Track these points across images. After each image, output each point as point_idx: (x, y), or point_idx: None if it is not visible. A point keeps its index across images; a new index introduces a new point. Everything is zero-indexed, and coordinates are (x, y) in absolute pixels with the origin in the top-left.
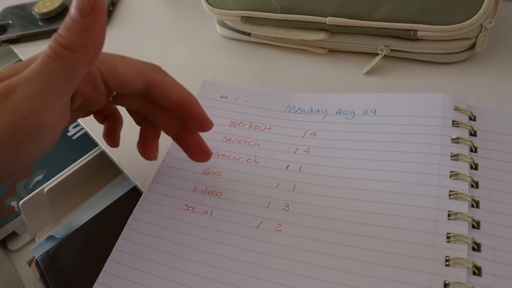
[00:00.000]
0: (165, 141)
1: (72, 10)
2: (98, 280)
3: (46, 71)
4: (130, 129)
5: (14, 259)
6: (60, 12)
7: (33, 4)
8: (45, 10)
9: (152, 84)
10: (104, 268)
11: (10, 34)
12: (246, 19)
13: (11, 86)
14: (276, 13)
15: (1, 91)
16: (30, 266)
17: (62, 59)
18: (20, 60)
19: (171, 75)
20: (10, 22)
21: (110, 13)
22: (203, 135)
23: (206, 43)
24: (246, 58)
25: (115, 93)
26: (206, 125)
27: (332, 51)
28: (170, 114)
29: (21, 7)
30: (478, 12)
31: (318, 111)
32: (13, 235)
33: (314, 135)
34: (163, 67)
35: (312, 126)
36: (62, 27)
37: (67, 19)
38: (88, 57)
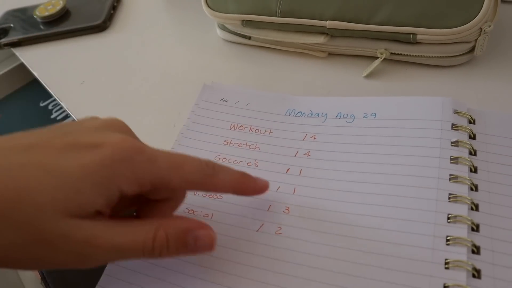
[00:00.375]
0: (165, 144)
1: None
2: (99, 283)
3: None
4: (133, 130)
5: None
6: (62, 16)
7: (35, 7)
8: (46, 13)
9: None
10: (105, 271)
11: (12, 37)
12: (246, 23)
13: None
14: (276, 16)
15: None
16: None
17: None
18: (22, 63)
19: (172, 80)
20: (12, 25)
21: (111, 17)
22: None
23: (207, 46)
24: (246, 61)
25: None
26: (264, 190)
27: (332, 55)
28: None
29: (23, 11)
30: (478, 16)
31: (318, 114)
32: None
33: (314, 138)
34: (164, 71)
35: (312, 130)
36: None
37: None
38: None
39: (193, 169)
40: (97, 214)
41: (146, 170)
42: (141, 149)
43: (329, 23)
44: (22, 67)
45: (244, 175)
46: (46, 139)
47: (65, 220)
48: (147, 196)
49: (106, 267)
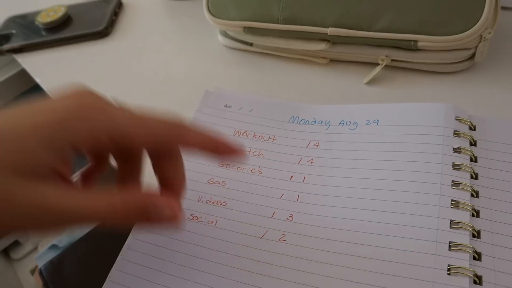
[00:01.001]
0: None
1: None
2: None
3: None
4: None
5: (16, 268)
6: (63, 22)
7: (37, 13)
8: (48, 20)
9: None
10: (109, 277)
11: (13, 43)
12: (248, 30)
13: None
14: (277, 23)
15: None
16: (33, 275)
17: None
18: (23, 69)
19: (173, 86)
20: (14, 31)
21: (112, 23)
22: None
23: (208, 53)
24: (248, 68)
25: None
26: (237, 152)
27: (333, 61)
28: None
29: (25, 17)
30: (478, 23)
31: (322, 122)
32: (16, 244)
33: (318, 146)
34: (166, 77)
35: (315, 137)
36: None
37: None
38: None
39: (159, 123)
40: (54, 176)
41: (102, 124)
42: (100, 107)
43: (330, 30)
44: (23, 73)
45: (216, 134)
46: (11, 110)
47: (14, 178)
48: (116, 159)
49: (111, 272)
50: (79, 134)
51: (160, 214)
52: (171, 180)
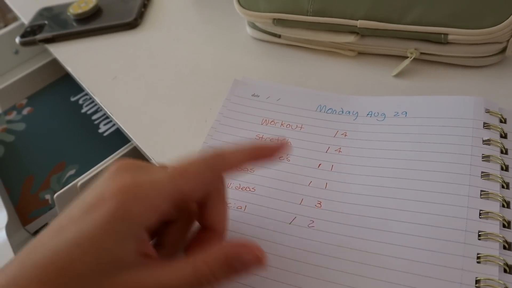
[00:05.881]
0: (198, 139)
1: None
2: None
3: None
4: (165, 125)
5: None
6: (94, 13)
7: (68, 5)
8: (79, 11)
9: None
10: None
11: (46, 33)
12: (277, 21)
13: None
14: (307, 15)
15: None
16: None
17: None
18: (54, 58)
19: (202, 76)
20: (46, 22)
21: (141, 15)
22: None
23: (236, 44)
24: (276, 59)
25: None
26: (281, 147)
27: (361, 54)
28: None
29: (57, 8)
30: (510, 17)
31: (349, 112)
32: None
33: (346, 135)
34: (194, 68)
35: (343, 127)
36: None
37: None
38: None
39: (202, 165)
40: (142, 257)
41: (155, 197)
42: (139, 183)
43: (360, 23)
44: (53, 63)
45: (253, 142)
46: (69, 213)
47: (112, 275)
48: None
49: None
50: (142, 216)
51: (245, 263)
52: (216, 222)
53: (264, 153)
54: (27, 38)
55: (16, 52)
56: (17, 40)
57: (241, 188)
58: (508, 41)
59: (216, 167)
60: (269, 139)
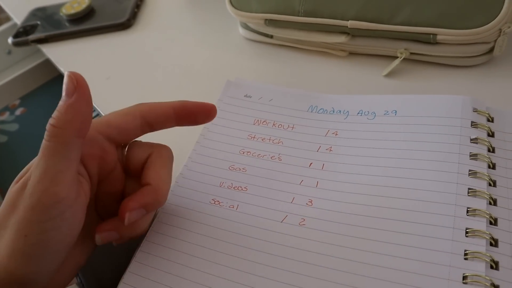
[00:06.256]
0: (190, 138)
1: (62, 93)
2: (128, 269)
3: (46, 153)
4: None
5: None
6: (87, 14)
7: (61, 5)
8: (72, 11)
9: (143, 114)
10: (134, 258)
11: (39, 34)
12: (269, 22)
13: (26, 178)
14: (298, 16)
15: (20, 185)
16: None
17: (55, 138)
18: (47, 59)
19: (195, 76)
20: (39, 22)
21: (134, 15)
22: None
23: (229, 45)
24: (268, 59)
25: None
26: (210, 109)
27: (352, 54)
28: None
29: (49, 9)
30: (497, 17)
31: (340, 111)
32: None
33: (336, 134)
34: (187, 68)
35: (334, 126)
36: (55, 111)
37: (59, 103)
38: (76, 131)
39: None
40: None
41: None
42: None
43: (350, 23)
44: (46, 63)
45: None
46: None
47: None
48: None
49: (130, 265)
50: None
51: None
52: (152, 179)
53: (188, 107)
54: (19, 38)
55: (9, 53)
56: (10, 40)
57: (233, 188)
58: (495, 41)
59: (141, 109)
60: (261, 139)
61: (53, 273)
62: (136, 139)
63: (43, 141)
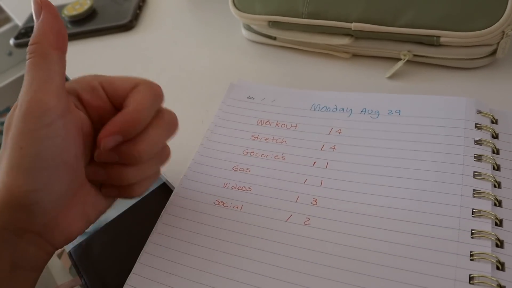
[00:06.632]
0: (194, 141)
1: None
2: (133, 271)
3: (29, 68)
4: None
5: None
6: (89, 15)
7: (63, 7)
8: (74, 12)
9: (137, 83)
10: (139, 259)
11: None
12: (272, 24)
13: (17, 101)
14: (302, 18)
15: (13, 108)
16: (60, 258)
17: (34, 53)
18: None
19: (197, 78)
20: None
21: (136, 16)
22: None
23: (232, 46)
24: (271, 61)
25: None
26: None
27: (355, 56)
28: None
29: None
30: (500, 19)
31: (343, 109)
32: None
33: (340, 132)
34: (190, 70)
35: (337, 124)
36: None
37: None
38: (51, 43)
39: None
40: None
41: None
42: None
43: (354, 25)
44: None
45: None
46: None
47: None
48: None
49: (141, 255)
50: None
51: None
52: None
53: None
54: (21, 39)
55: (10, 54)
56: (12, 41)
57: (238, 188)
58: (498, 43)
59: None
60: (264, 139)
61: (57, 203)
62: None
63: (26, 61)
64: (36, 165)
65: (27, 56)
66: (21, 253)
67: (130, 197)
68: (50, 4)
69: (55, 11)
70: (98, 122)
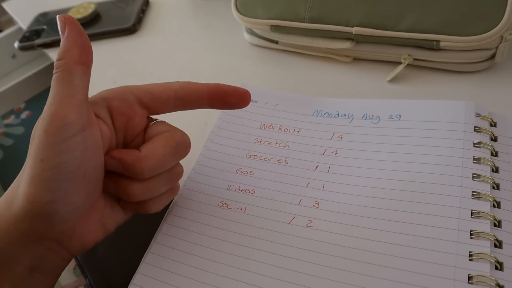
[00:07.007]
0: (198, 142)
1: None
2: (139, 270)
3: (54, 83)
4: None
5: None
6: (93, 19)
7: (67, 10)
8: (78, 16)
9: (177, 87)
10: (144, 259)
11: (45, 38)
12: (275, 28)
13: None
14: (304, 22)
15: (38, 120)
16: None
17: (59, 68)
18: (52, 63)
19: (200, 81)
20: (44, 27)
21: (140, 20)
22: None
23: (234, 50)
24: (273, 65)
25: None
26: (244, 93)
27: (356, 59)
28: None
29: (56, 13)
30: (499, 24)
31: (345, 115)
32: None
33: (342, 137)
34: (192, 73)
35: (339, 129)
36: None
37: None
38: (76, 58)
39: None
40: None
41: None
42: None
43: (355, 30)
44: (51, 67)
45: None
46: None
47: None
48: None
49: (145, 256)
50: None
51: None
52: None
53: (223, 89)
54: (26, 43)
55: (13, 56)
56: (16, 44)
57: (241, 190)
58: (497, 47)
59: (176, 83)
60: (267, 143)
61: (75, 213)
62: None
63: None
64: (55, 177)
65: (54, 71)
66: (40, 259)
67: (145, 212)
68: (73, 20)
69: (79, 27)
70: (126, 129)
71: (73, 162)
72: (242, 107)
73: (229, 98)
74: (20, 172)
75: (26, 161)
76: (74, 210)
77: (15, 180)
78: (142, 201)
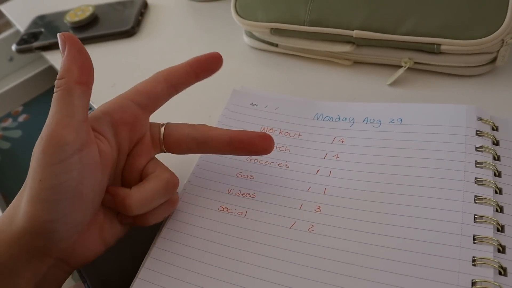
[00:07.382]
0: None
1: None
2: (139, 275)
3: (54, 102)
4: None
5: None
6: (91, 21)
7: (65, 13)
8: (76, 19)
9: (165, 77)
10: (143, 264)
11: (42, 41)
12: (275, 31)
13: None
14: (304, 25)
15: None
16: None
17: (59, 87)
18: (50, 66)
19: (199, 84)
20: (42, 30)
21: (138, 23)
22: None
23: (234, 53)
24: (273, 68)
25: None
26: (215, 55)
27: (357, 63)
28: None
29: (53, 16)
30: (500, 28)
31: (346, 119)
32: None
33: (343, 141)
34: None
35: (340, 133)
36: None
37: None
38: (76, 78)
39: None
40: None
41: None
42: None
43: (356, 33)
44: (48, 70)
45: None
46: None
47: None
48: None
49: (139, 271)
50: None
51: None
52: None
53: (201, 59)
54: (23, 45)
55: (11, 59)
56: (14, 47)
57: (242, 194)
58: (498, 51)
59: (162, 74)
60: None
61: (74, 230)
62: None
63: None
64: (53, 197)
65: (54, 90)
66: (42, 274)
67: (144, 225)
68: (73, 38)
69: (79, 45)
70: (131, 134)
71: (71, 182)
72: (219, 68)
73: (208, 64)
74: (22, 188)
75: (26, 179)
76: (73, 228)
77: (17, 196)
78: (140, 214)
